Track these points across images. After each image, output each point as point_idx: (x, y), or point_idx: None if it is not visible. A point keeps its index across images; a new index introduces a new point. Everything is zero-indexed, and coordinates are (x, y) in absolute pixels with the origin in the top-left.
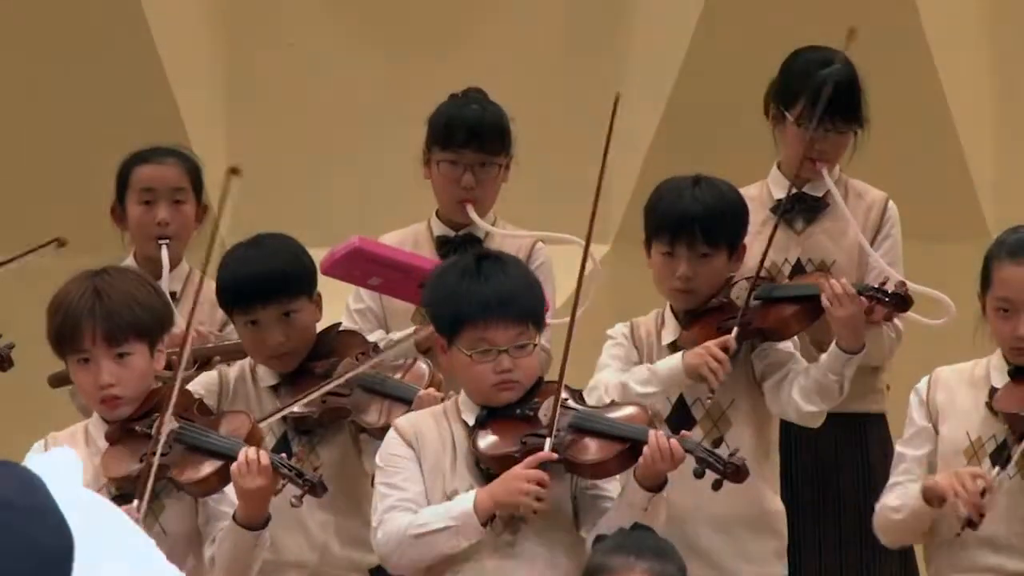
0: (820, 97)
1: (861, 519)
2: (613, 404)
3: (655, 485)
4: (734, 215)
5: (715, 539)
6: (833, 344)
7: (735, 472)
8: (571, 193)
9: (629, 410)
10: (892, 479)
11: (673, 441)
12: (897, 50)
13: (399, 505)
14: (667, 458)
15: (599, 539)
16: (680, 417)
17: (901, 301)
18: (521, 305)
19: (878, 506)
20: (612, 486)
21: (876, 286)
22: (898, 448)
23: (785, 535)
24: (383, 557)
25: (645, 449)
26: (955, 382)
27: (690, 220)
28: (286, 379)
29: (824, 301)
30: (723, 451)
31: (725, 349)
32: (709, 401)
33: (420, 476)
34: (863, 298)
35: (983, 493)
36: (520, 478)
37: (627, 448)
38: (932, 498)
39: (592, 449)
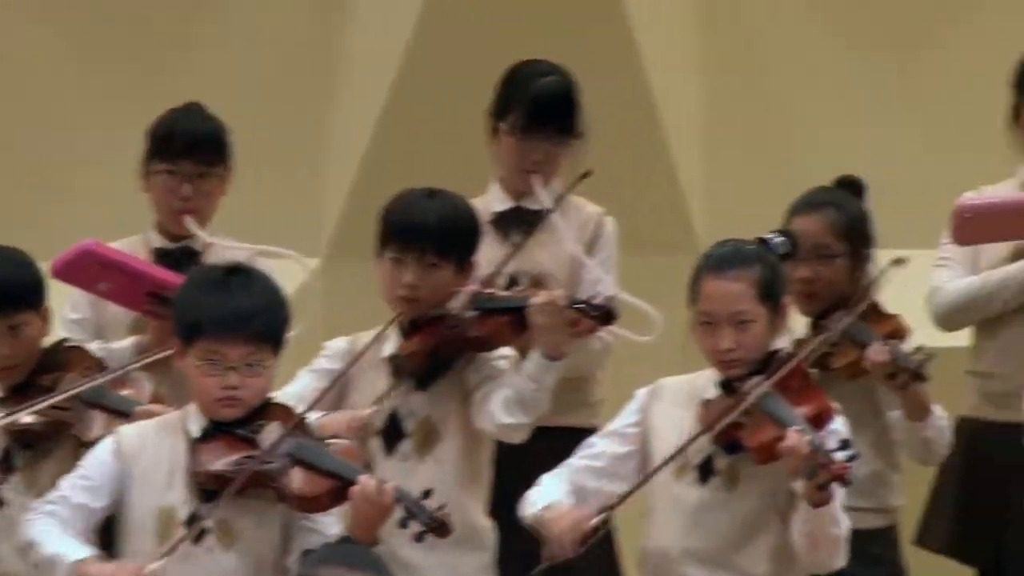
0: (534, 106)
1: None
2: (335, 438)
3: (365, 540)
4: (466, 230)
5: (419, 553)
6: (535, 351)
7: (439, 527)
8: (287, 206)
9: (344, 445)
10: (573, 458)
11: (385, 487)
12: (610, 67)
13: (54, 511)
14: (374, 502)
15: (307, 552)
16: (391, 430)
17: (606, 315)
18: (260, 324)
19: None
20: (329, 520)
21: (584, 299)
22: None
23: (491, 549)
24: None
25: (353, 491)
26: (673, 394)
27: (421, 229)
28: (11, 392)
29: (528, 310)
30: (431, 504)
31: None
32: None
33: (107, 491)
34: (571, 309)
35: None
36: None
37: (339, 486)
38: None
39: (304, 482)
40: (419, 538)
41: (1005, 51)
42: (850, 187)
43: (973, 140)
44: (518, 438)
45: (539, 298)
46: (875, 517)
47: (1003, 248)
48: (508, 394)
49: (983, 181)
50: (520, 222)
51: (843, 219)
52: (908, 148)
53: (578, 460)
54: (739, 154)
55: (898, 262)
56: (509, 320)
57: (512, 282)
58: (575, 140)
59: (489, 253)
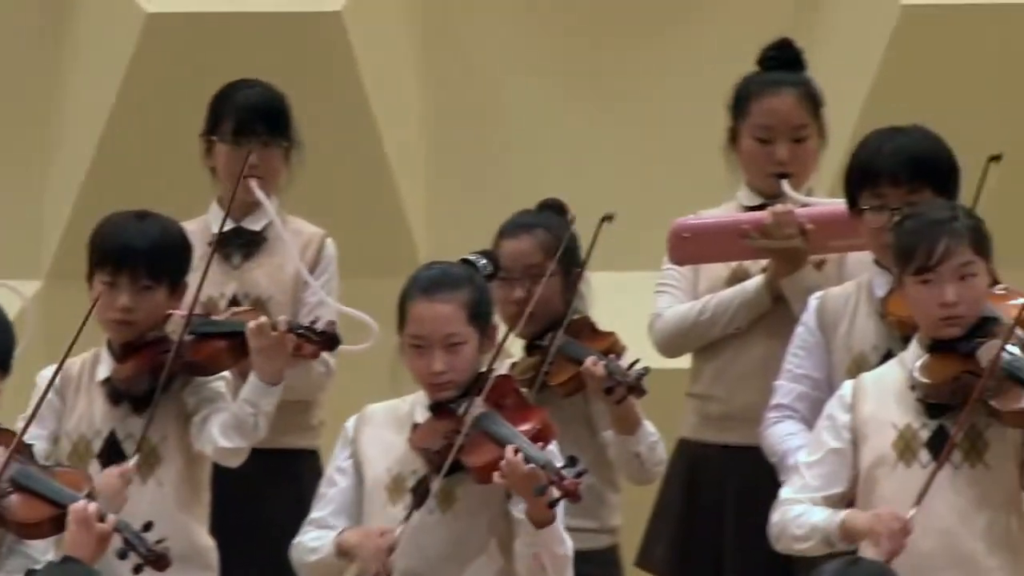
0: (242, 111)
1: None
2: (60, 465)
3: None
4: (178, 251)
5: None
6: (252, 374)
7: (157, 560)
8: (7, 230)
9: (71, 473)
10: (315, 513)
11: (107, 519)
12: (332, 90)
13: None
14: (89, 529)
15: (30, 573)
16: (111, 452)
17: (329, 340)
18: None
19: None
20: (41, 545)
21: (306, 325)
22: None
23: (216, 569)
24: None
25: (69, 517)
26: (382, 419)
27: (134, 252)
28: None
29: (247, 331)
30: (150, 536)
31: (123, 476)
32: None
33: None
34: (293, 335)
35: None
36: None
37: (60, 513)
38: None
39: (25, 508)
40: (137, 569)
41: (724, 73)
42: (554, 209)
43: (695, 163)
44: (236, 462)
45: (256, 322)
46: (595, 537)
47: (722, 271)
48: (226, 418)
49: (703, 204)
50: (241, 243)
51: (553, 239)
52: (628, 171)
53: (317, 513)
54: (461, 176)
55: (607, 218)
56: (227, 344)
57: (233, 304)
58: (288, 147)
59: (210, 275)
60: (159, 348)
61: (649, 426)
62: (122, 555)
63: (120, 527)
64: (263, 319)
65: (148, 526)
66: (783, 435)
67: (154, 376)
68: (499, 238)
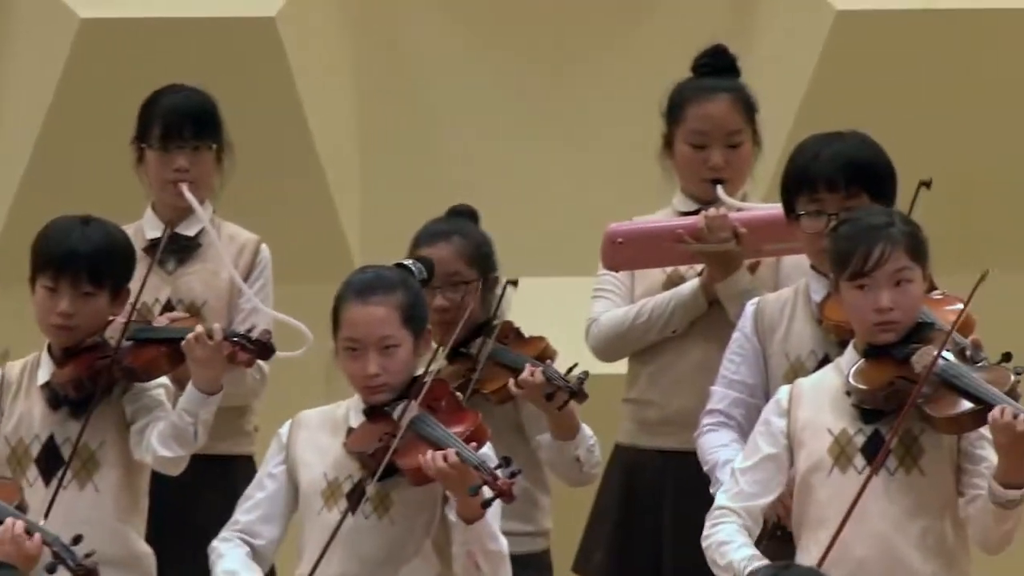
0: (169, 115)
1: None
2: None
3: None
4: (122, 257)
5: None
6: (190, 384)
7: (87, 574)
8: None
9: (3, 485)
10: (239, 514)
11: (35, 535)
12: (265, 93)
13: None
14: (17, 546)
15: None
16: (49, 456)
17: (264, 349)
18: None
19: None
20: None
21: (241, 333)
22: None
23: (154, 575)
24: None
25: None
26: (316, 425)
27: (76, 257)
28: None
29: (183, 344)
30: (80, 550)
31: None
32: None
33: None
34: (228, 343)
35: None
36: None
37: None
38: None
39: None
40: None
41: (659, 79)
42: (466, 215)
43: (629, 167)
44: (175, 470)
45: (192, 334)
46: (532, 541)
47: (659, 276)
48: (164, 427)
49: (639, 210)
50: (175, 249)
51: (471, 246)
52: (562, 175)
53: (243, 516)
54: (395, 181)
55: (513, 283)
56: (166, 351)
57: (167, 310)
58: (219, 150)
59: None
60: (98, 353)
61: (586, 429)
62: (51, 569)
63: (49, 541)
64: (199, 329)
65: (77, 539)
66: (714, 446)
67: (93, 381)
68: (415, 247)
